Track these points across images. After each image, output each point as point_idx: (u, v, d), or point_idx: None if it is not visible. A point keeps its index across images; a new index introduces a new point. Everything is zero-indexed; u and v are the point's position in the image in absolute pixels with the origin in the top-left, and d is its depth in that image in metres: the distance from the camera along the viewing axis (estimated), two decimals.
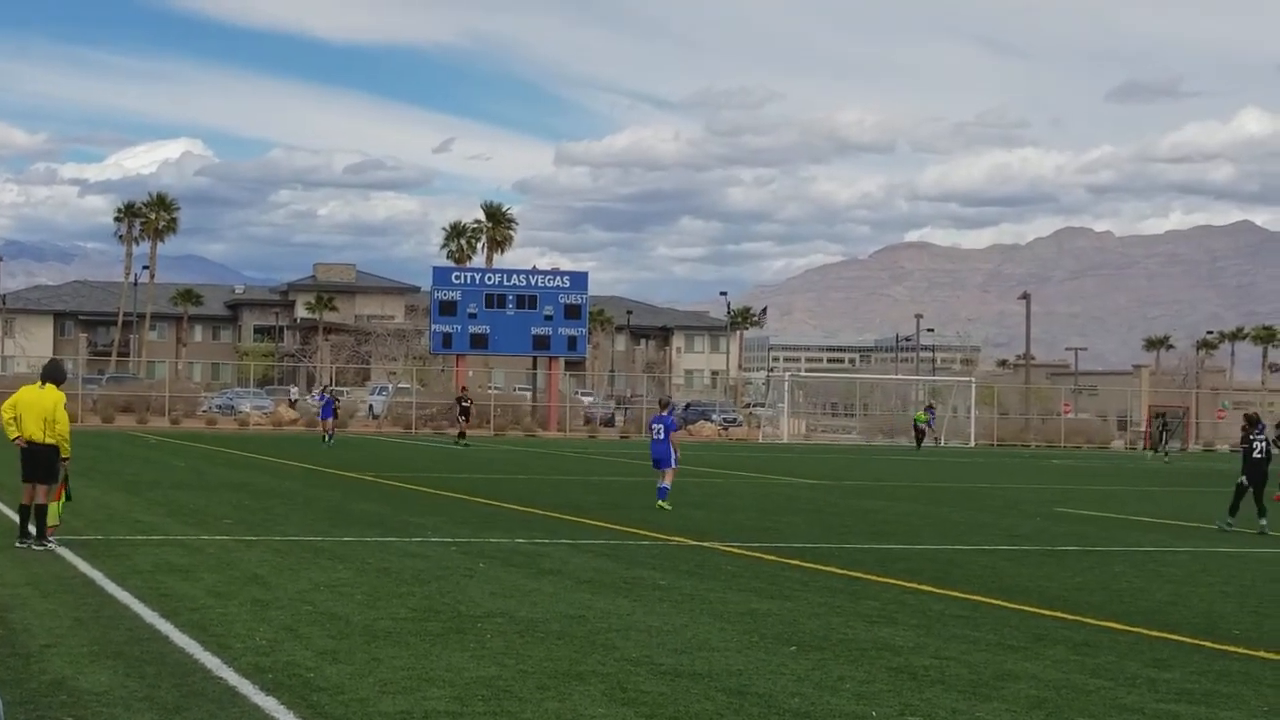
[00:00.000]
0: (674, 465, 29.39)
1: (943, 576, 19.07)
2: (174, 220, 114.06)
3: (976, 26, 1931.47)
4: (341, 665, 11.90)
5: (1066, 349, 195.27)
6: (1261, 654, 13.78)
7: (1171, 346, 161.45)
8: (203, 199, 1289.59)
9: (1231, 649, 14.02)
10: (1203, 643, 14.32)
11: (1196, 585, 19.15)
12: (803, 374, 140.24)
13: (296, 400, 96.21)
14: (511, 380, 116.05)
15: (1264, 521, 28.20)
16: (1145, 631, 14.91)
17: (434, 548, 20.77)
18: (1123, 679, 12.28)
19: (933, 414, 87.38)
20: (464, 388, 74.19)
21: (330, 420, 59.62)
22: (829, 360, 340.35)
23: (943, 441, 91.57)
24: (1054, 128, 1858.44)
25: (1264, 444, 28.56)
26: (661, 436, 29.46)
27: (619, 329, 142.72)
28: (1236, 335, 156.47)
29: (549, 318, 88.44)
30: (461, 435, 64.33)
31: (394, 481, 36.18)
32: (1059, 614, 15.95)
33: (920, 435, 79.85)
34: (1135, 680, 12.25)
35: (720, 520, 27.25)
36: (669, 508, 28.50)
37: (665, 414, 30.31)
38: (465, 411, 66.05)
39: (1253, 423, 29.35)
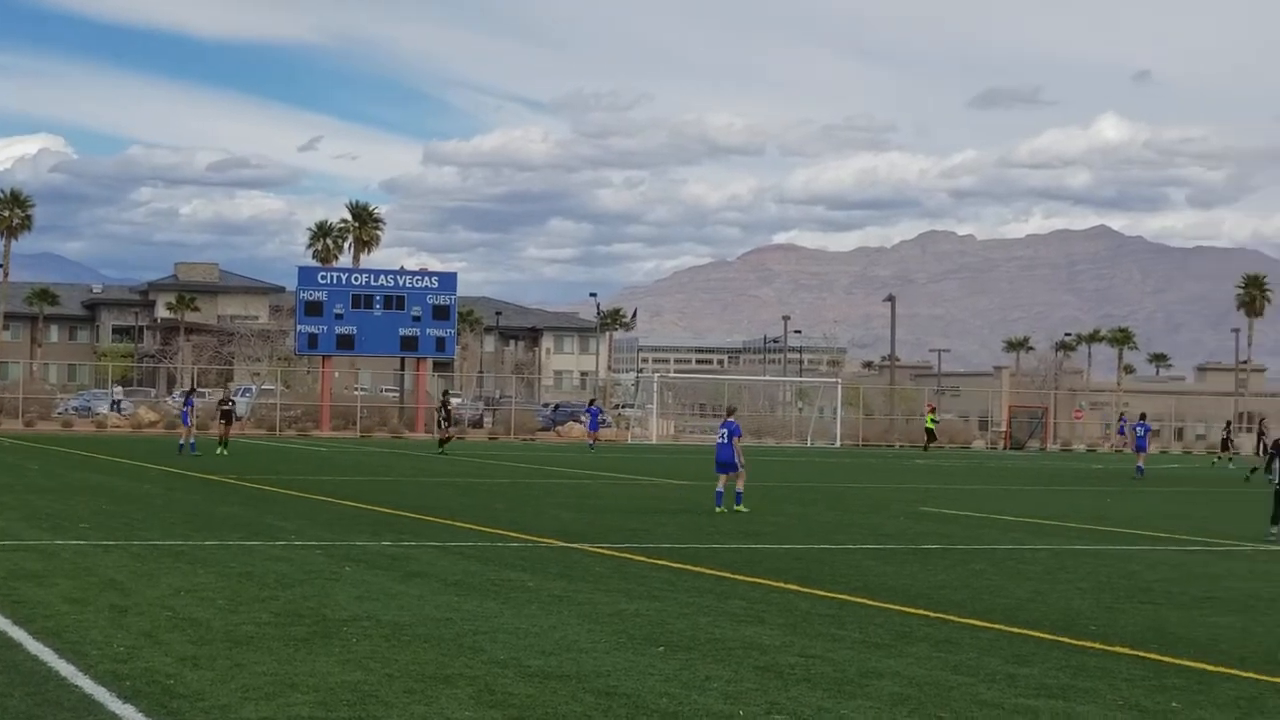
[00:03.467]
0: (741, 469, 30.11)
1: (809, 576, 19.22)
2: (28, 218, 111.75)
3: (844, 32, 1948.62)
4: (202, 671, 11.76)
5: (930, 350, 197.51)
6: (1117, 649, 14.03)
7: (1031, 348, 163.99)
8: (60, 196, 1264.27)
9: (1088, 645, 14.26)
10: (1060, 639, 14.55)
11: (1055, 583, 19.45)
12: (672, 375, 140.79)
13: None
14: (379, 381, 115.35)
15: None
16: (1005, 628, 15.13)
17: (298, 551, 20.60)
18: (983, 675, 12.45)
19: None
20: (446, 390, 71.44)
21: (190, 426, 56.74)
22: (698, 361, 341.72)
23: (809, 442, 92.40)
24: (919, 133, 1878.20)
25: None
26: (727, 440, 30.09)
27: (488, 330, 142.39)
28: (1094, 337, 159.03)
29: (417, 318, 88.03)
30: (445, 440, 61.23)
31: (257, 484, 35.81)
32: (922, 612, 16.14)
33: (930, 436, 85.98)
34: (995, 676, 12.42)
35: (589, 521, 27.27)
36: (747, 510, 29.57)
37: (731, 419, 30.91)
38: (449, 415, 63.31)
39: None
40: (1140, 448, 58.74)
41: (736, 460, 29.93)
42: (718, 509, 29.83)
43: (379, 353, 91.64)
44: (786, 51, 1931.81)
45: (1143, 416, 63.27)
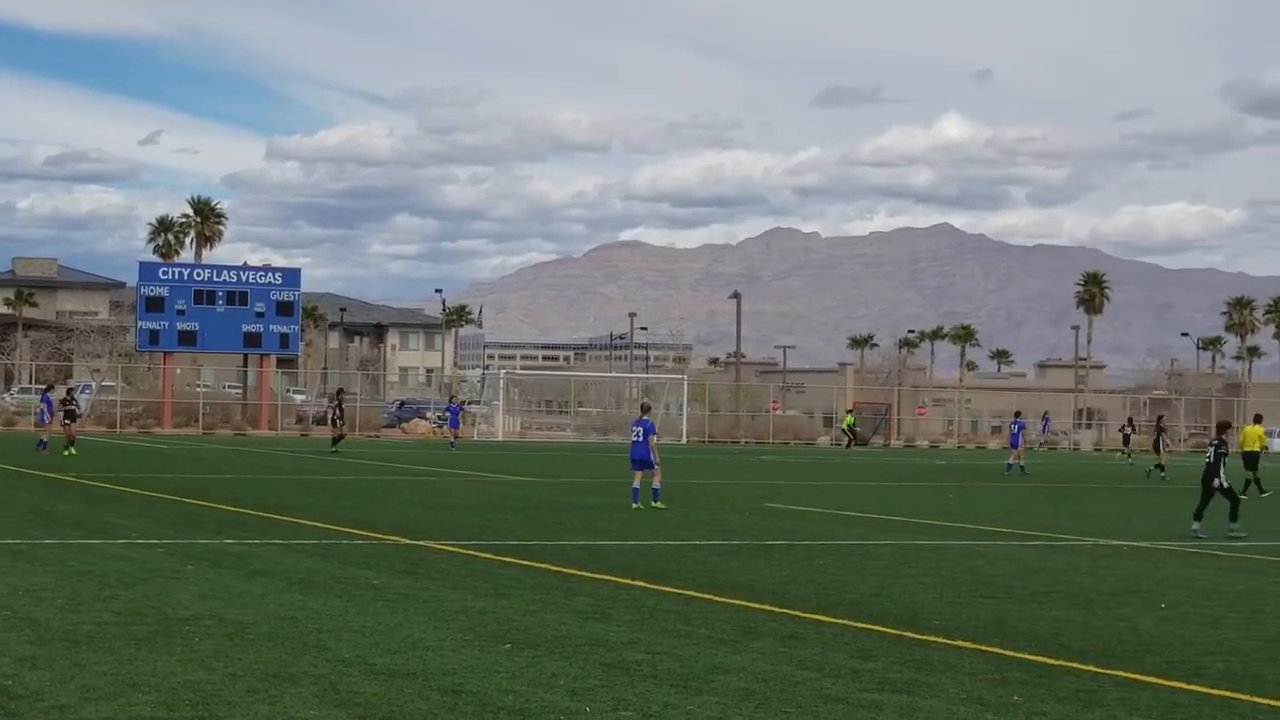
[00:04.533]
0: (657, 465, 30.67)
1: (656, 572, 19.27)
2: None
3: (689, 29, 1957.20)
4: (41, 672, 11.52)
5: (775, 347, 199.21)
6: (960, 643, 14.21)
7: (875, 345, 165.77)
8: None
9: (932, 639, 14.43)
10: (904, 633, 14.71)
11: (898, 577, 19.67)
12: (518, 372, 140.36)
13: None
14: (221, 378, 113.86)
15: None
16: (850, 623, 15.26)
17: (139, 550, 20.26)
18: (828, 670, 12.55)
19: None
20: (340, 389, 70.14)
21: (48, 423, 55.10)
22: (544, 358, 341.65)
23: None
24: (763, 131, 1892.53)
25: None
26: (641, 439, 30.62)
27: (332, 326, 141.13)
28: (936, 334, 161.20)
29: (260, 314, 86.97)
30: (334, 440, 60.13)
31: (97, 482, 35.19)
32: (768, 607, 16.24)
33: (851, 437, 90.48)
34: (840, 671, 12.52)
35: (435, 519, 27.13)
36: (664, 506, 30.09)
37: (645, 418, 31.48)
38: (343, 414, 62.39)
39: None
40: (1014, 444, 60.09)
41: (651, 457, 30.49)
42: (634, 505, 30.29)
43: (222, 349, 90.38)
44: (632, 48, 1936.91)
45: (1017, 414, 64.69)
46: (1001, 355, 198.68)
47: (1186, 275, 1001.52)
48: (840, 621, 15.35)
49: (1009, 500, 39.82)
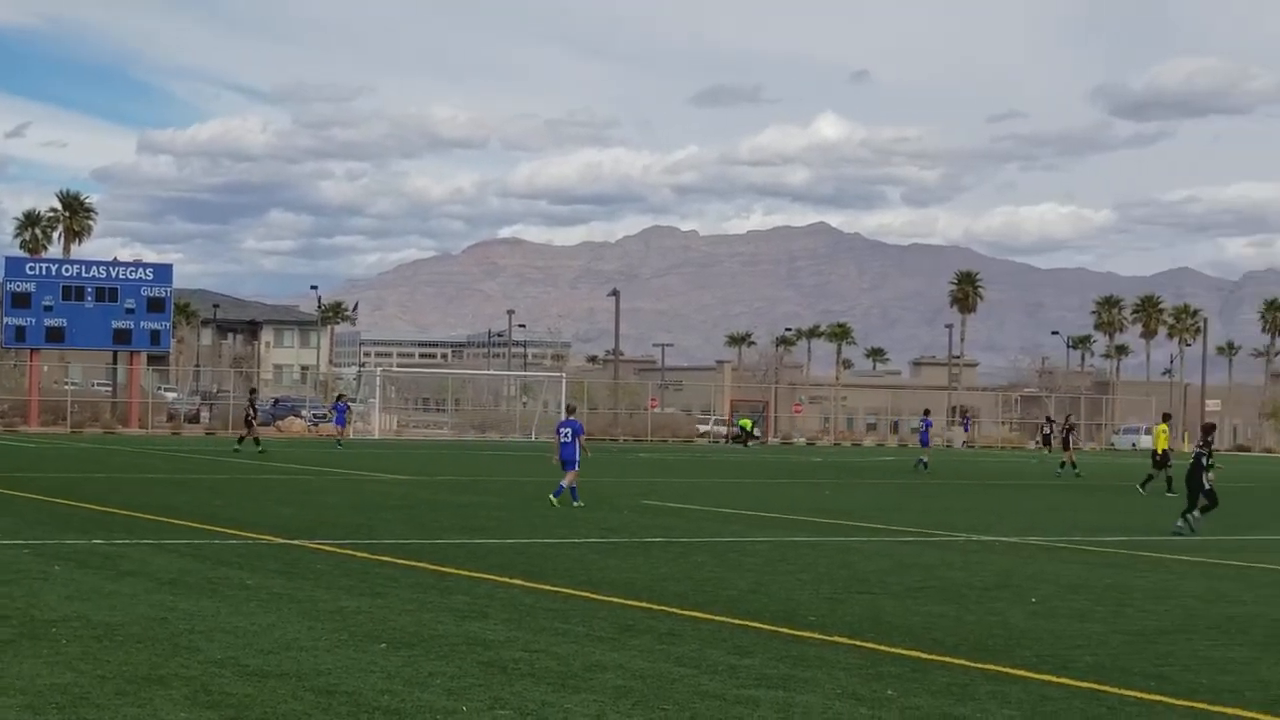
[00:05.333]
0: (577, 467, 31.30)
1: (534, 570, 19.22)
2: None
3: (569, 27, 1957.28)
4: None
5: (654, 345, 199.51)
6: (836, 639, 14.29)
7: (753, 343, 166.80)
8: None
9: (808, 635, 14.50)
10: (781, 629, 14.77)
11: (775, 574, 19.76)
12: (395, 369, 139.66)
13: None
14: (90, 375, 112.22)
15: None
16: (727, 620, 15.30)
17: (4, 550, 19.89)
18: (705, 666, 12.58)
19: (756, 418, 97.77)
20: (253, 389, 68.72)
21: None
22: (421, 356, 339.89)
23: (534, 436, 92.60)
24: (642, 129, 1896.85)
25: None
26: (570, 439, 31.23)
27: (205, 323, 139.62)
28: (813, 333, 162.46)
29: (131, 311, 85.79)
30: (256, 441, 58.43)
31: None
32: (645, 605, 16.24)
33: (739, 436, 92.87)
34: (717, 667, 12.55)
35: (310, 518, 26.89)
36: (582, 504, 30.63)
37: (572, 418, 32.24)
38: (255, 413, 60.88)
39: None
40: (924, 442, 60.77)
41: (576, 458, 31.14)
42: (551, 497, 31.05)
43: (90, 346, 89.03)
44: (510, 45, 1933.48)
45: (926, 413, 65.50)
46: (877, 353, 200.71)
47: (1057, 275, 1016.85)
48: (717, 618, 15.39)
49: (884, 496, 40.18)
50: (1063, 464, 57.43)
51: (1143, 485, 43.60)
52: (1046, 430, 75.96)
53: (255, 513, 27.33)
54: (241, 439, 59.27)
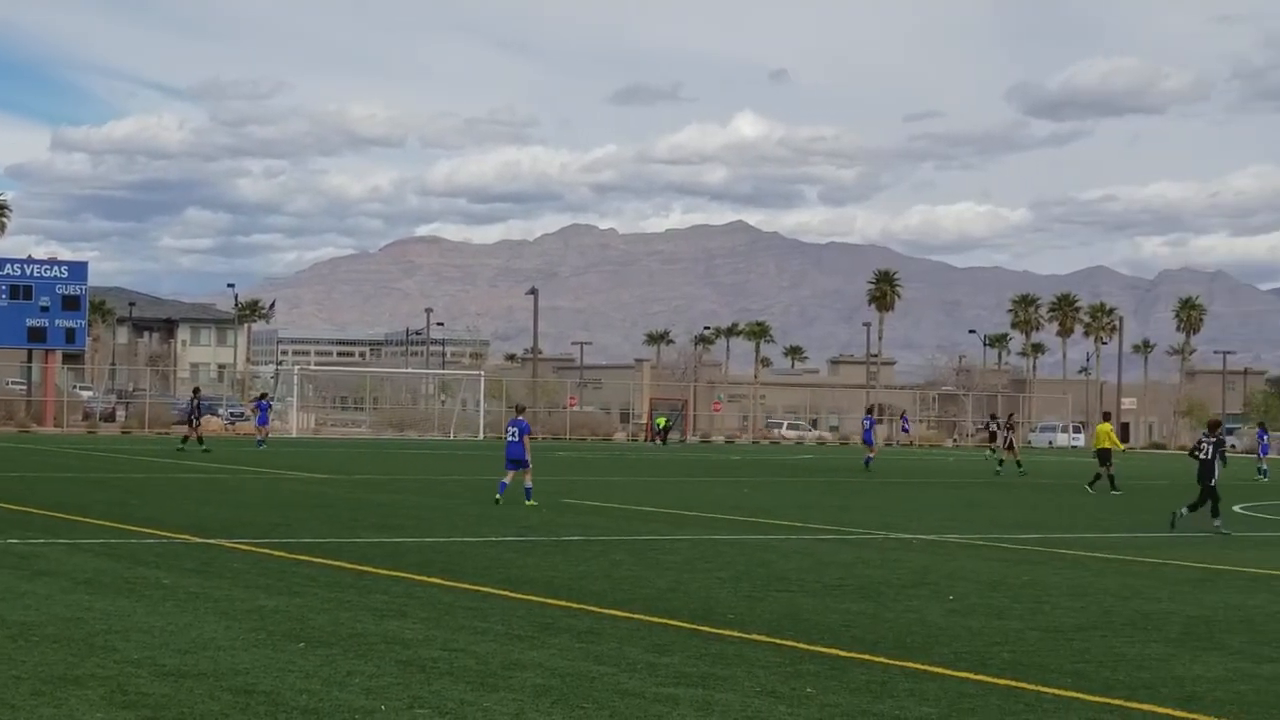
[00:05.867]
0: (530, 465, 31.72)
1: (452, 569, 19.17)
2: None
3: (488, 25, 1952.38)
4: None
5: (572, 343, 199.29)
6: (754, 637, 14.33)
7: (671, 341, 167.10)
8: None
9: (726, 633, 14.53)
10: (700, 628, 14.80)
11: (694, 572, 19.79)
12: (312, 368, 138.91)
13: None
14: (4, 374, 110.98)
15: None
16: (646, 618, 15.32)
17: None
18: (624, 665, 12.58)
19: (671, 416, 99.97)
20: (197, 389, 67.91)
21: None
22: (339, 354, 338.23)
23: (453, 435, 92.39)
24: (561, 127, 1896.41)
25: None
26: (517, 438, 31.54)
27: (121, 321, 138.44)
28: (732, 331, 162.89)
29: (45, 309, 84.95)
30: (200, 440, 58.16)
31: None
32: (565, 603, 16.23)
33: (655, 434, 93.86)
34: (636, 665, 12.56)
35: (227, 517, 26.70)
36: (535, 504, 30.68)
37: (520, 418, 32.34)
38: (200, 411, 60.59)
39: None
40: (867, 440, 61.10)
41: (525, 456, 31.39)
42: (497, 496, 31.35)
43: (4, 344, 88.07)
44: (430, 43, 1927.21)
45: (869, 411, 65.83)
46: (795, 351, 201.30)
47: (974, 274, 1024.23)
48: (636, 616, 15.40)
49: (803, 495, 40.33)
50: (1001, 461, 57.98)
51: (1095, 485, 43.87)
52: (993, 428, 76.58)
53: (172, 512, 27.11)
54: (185, 439, 58.74)
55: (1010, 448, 58.75)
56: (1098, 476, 43.74)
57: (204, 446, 57.12)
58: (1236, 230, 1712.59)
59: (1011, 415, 65.20)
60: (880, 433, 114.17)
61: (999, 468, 57.65)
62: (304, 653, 12.67)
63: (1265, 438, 66.79)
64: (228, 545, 21.46)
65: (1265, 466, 62.17)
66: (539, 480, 40.43)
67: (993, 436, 75.84)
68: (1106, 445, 44.40)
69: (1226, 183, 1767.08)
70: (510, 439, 31.90)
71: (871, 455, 59.33)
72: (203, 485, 36.33)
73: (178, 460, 49.37)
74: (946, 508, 36.40)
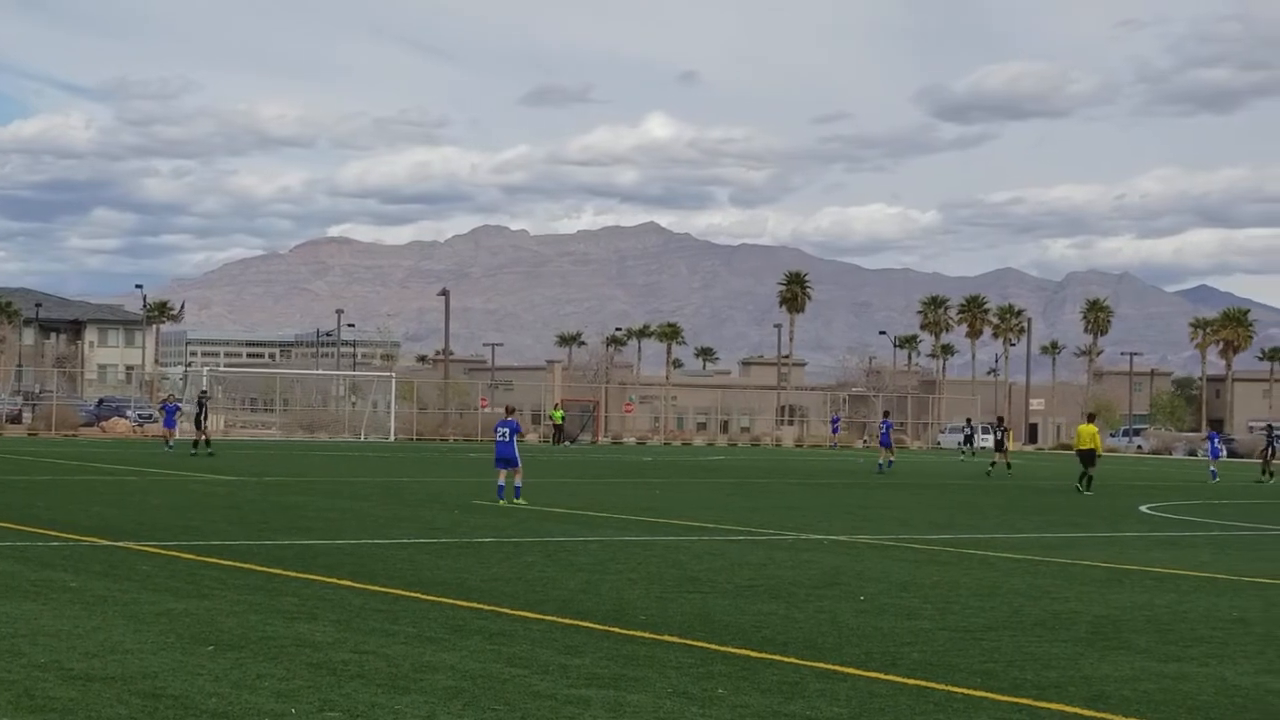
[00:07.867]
0: (519, 464, 32.70)
1: (362, 571, 19.08)
2: None
3: (399, 25, 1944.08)
4: None
5: (484, 344, 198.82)
6: (666, 638, 14.35)
7: (583, 343, 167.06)
8: None
9: (638, 634, 14.55)
10: (611, 629, 14.81)
11: (606, 574, 19.80)
12: (222, 369, 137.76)
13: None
14: None
15: None
16: (558, 620, 15.31)
17: None
18: (536, 666, 12.58)
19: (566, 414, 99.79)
20: (203, 391, 66.94)
21: None
22: (249, 355, 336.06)
23: (363, 436, 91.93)
24: (472, 128, 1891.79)
25: None
26: (508, 439, 32.51)
27: (27, 322, 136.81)
28: (644, 332, 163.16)
29: None
30: (207, 443, 58.73)
31: None
32: (476, 605, 16.20)
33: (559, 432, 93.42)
34: (548, 667, 12.56)
35: (135, 519, 26.45)
36: (525, 502, 31.65)
37: (511, 418, 33.22)
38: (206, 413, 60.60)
39: None
40: (885, 443, 61.22)
41: (515, 456, 32.21)
42: (499, 501, 32.01)
43: None
44: (340, 43, 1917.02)
45: (886, 415, 66.03)
46: (707, 353, 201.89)
47: (884, 275, 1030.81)
48: (548, 618, 15.39)
49: (713, 496, 40.42)
50: (1005, 465, 58.63)
51: (1082, 484, 44.16)
52: (968, 431, 77.16)
53: (78, 514, 26.82)
54: (196, 443, 59.07)
55: (1002, 450, 59.35)
56: (1087, 477, 44.20)
57: (210, 450, 57.62)
58: (1143, 232, 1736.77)
59: (1002, 419, 65.52)
60: (790, 434, 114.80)
61: (994, 466, 58.34)
62: (213, 656, 12.58)
63: (1218, 440, 67.66)
64: (135, 548, 21.26)
65: (1215, 469, 62.67)
66: (453, 480, 40.31)
67: (968, 440, 76.60)
68: (1090, 446, 44.87)
69: (1132, 185, 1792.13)
70: (500, 439, 32.67)
71: (891, 460, 59.75)
72: (109, 487, 35.96)
73: (84, 463, 48.83)
74: (857, 508, 36.59)
